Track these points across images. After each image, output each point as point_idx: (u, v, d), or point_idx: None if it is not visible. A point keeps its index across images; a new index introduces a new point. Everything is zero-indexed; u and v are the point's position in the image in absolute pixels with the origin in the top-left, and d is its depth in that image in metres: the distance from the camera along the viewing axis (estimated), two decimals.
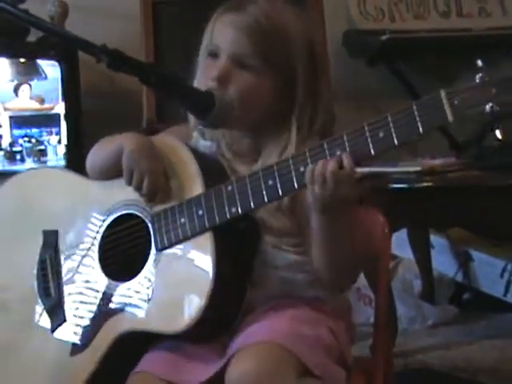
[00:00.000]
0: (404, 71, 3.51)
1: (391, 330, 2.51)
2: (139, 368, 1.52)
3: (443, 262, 3.35)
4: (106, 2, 3.43)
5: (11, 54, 3.05)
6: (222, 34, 1.58)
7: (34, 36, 2.98)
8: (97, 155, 1.68)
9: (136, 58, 1.51)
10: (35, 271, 1.69)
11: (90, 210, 1.67)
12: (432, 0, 3.59)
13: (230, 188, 1.50)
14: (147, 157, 1.56)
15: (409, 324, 3.11)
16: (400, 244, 3.19)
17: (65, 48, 2.89)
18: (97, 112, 3.19)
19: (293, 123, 1.58)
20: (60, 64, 2.97)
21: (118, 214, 1.63)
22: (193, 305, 1.48)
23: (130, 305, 1.56)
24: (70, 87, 3.00)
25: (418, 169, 2.49)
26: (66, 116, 3.01)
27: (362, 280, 2.85)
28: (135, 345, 1.55)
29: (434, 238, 3.34)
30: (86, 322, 1.60)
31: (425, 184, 2.53)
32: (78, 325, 1.62)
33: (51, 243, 1.69)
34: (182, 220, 1.53)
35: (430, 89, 3.69)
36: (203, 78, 1.59)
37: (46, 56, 3.00)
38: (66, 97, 3.01)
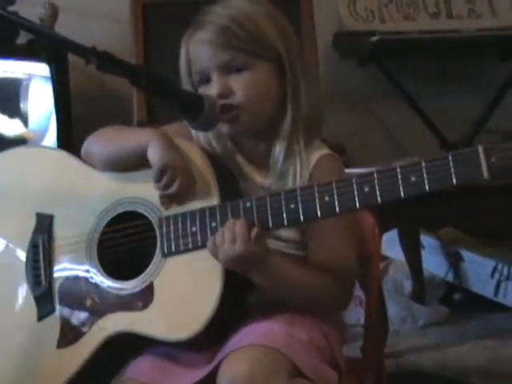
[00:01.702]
0: (394, 72, 3.52)
1: (382, 330, 2.51)
2: (126, 375, 1.52)
3: (434, 263, 3.35)
4: (96, 4, 3.42)
5: (0, 56, 3.04)
6: (199, 56, 1.60)
7: (23, 38, 2.97)
8: (108, 144, 1.63)
9: (125, 60, 1.51)
10: (25, 254, 1.65)
11: (91, 201, 1.63)
12: (422, 1, 3.59)
13: (248, 204, 1.47)
14: (180, 156, 1.54)
15: (400, 324, 3.11)
16: (390, 245, 3.19)
17: (54, 50, 2.89)
18: (86, 114, 3.19)
19: (288, 103, 1.59)
20: (50, 66, 2.97)
21: (123, 210, 1.59)
22: (197, 315, 1.46)
23: (129, 305, 1.53)
24: (60, 89, 2.99)
25: None
26: (56, 118, 3.00)
27: None
28: (125, 347, 1.54)
29: (425, 239, 3.34)
30: (78, 316, 1.58)
31: None
32: (67, 317, 1.59)
33: (45, 228, 1.65)
34: (194, 229, 1.51)
35: (420, 89, 3.70)
36: None
37: (36, 58, 2.99)
38: (56, 99, 3.00)
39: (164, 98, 1.52)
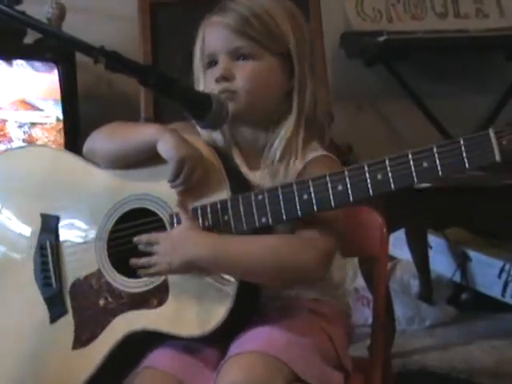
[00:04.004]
0: (402, 72, 3.52)
1: (389, 330, 2.51)
2: (145, 364, 1.51)
3: (441, 263, 3.35)
4: (104, 4, 3.43)
5: (8, 56, 3.04)
6: (213, 38, 1.61)
7: (31, 38, 2.98)
8: (112, 141, 1.61)
9: (134, 60, 1.51)
10: (33, 257, 1.64)
11: (97, 199, 1.62)
12: (429, 1, 3.59)
13: (260, 197, 1.46)
14: (194, 147, 1.52)
15: (407, 325, 3.11)
16: (398, 245, 3.19)
17: (62, 50, 2.89)
18: (94, 113, 3.19)
19: (294, 99, 1.60)
20: (57, 66, 2.97)
21: (131, 207, 1.58)
22: (213, 312, 1.46)
23: (143, 303, 1.53)
24: (68, 89, 3.00)
25: None
26: (63, 117, 3.01)
27: (360, 281, 2.88)
28: (141, 345, 1.53)
29: (432, 239, 3.34)
30: (91, 316, 1.57)
31: (423, 184, 2.52)
32: (81, 318, 1.58)
33: (51, 229, 1.64)
34: (206, 224, 1.50)
35: (427, 89, 3.70)
36: (209, 86, 1.60)
37: (43, 58, 2.99)
38: (64, 98, 3.00)
39: (172, 97, 1.52)
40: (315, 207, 1.44)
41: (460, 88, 3.70)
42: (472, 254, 3.30)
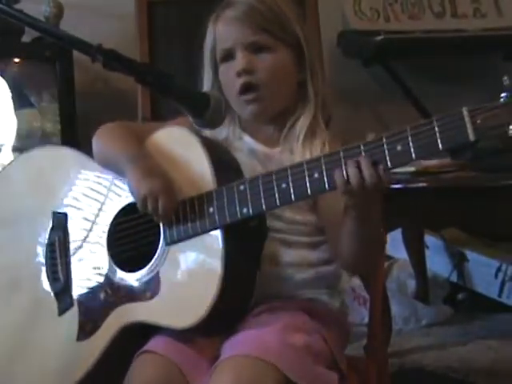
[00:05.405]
0: (399, 71, 3.52)
1: (386, 330, 2.51)
2: (146, 348, 1.52)
3: (438, 262, 3.35)
4: (101, 2, 3.42)
5: (6, 55, 3.04)
6: (226, 33, 1.65)
7: (28, 36, 2.98)
8: (101, 153, 1.67)
9: (131, 58, 1.51)
10: (44, 253, 1.70)
11: (100, 197, 1.66)
12: (427, 0, 3.59)
13: (242, 187, 1.48)
14: (156, 178, 1.53)
15: (403, 324, 3.11)
16: (394, 244, 3.19)
17: (60, 48, 2.89)
18: (91, 112, 3.19)
19: (309, 86, 1.65)
20: (55, 64, 2.97)
21: (128, 202, 1.61)
22: (202, 301, 1.47)
23: (138, 296, 1.56)
24: (65, 87, 3.00)
25: (412, 169, 2.49)
26: (60, 116, 3.00)
27: (356, 280, 2.87)
28: (138, 335, 1.55)
29: (429, 239, 3.34)
30: (93, 309, 1.61)
31: (419, 184, 2.52)
32: (84, 311, 1.63)
33: (60, 226, 1.69)
34: (193, 216, 1.52)
35: (425, 89, 3.69)
36: (228, 81, 1.64)
37: (41, 56, 2.99)
38: (61, 97, 3.00)
39: (170, 95, 1.52)
40: (293, 196, 1.44)
41: (457, 88, 3.70)
42: (469, 254, 3.30)
